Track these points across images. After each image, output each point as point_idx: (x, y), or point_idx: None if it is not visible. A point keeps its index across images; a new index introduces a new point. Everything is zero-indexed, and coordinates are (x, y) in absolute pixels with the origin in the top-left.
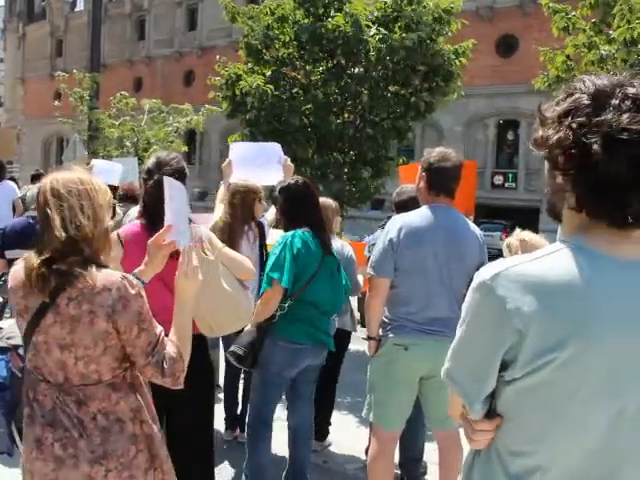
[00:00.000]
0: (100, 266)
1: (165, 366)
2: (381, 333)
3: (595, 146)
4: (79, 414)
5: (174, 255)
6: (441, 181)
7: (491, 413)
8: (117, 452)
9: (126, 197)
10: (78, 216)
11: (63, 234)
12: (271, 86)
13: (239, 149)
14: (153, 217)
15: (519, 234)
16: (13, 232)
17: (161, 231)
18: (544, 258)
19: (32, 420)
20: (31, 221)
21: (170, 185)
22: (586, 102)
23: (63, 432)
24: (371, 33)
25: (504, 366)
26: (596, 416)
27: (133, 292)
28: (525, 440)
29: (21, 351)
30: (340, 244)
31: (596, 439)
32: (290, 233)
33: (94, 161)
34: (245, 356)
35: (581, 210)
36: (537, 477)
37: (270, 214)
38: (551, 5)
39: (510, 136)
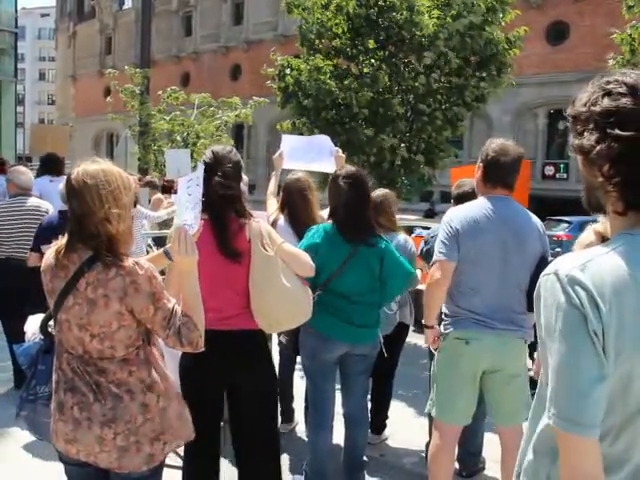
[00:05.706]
0: (117, 254)
1: (182, 336)
2: (442, 329)
3: None
4: (94, 382)
5: (236, 260)
6: (498, 174)
7: None
8: (125, 417)
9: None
10: (102, 208)
11: (86, 225)
12: (326, 75)
13: (290, 141)
14: (217, 213)
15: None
16: (49, 226)
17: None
18: (605, 256)
19: (57, 386)
20: (61, 216)
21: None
22: (630, 106)
23: (81, 397)
24: (424, 18)
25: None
26: None
27: (143, 276)
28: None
29: None
30: (404, 239)
31: None
32: (315, 227)
33: (167, 151)
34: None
35: (627, 213)
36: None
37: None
38: None
39: (561, 126)
